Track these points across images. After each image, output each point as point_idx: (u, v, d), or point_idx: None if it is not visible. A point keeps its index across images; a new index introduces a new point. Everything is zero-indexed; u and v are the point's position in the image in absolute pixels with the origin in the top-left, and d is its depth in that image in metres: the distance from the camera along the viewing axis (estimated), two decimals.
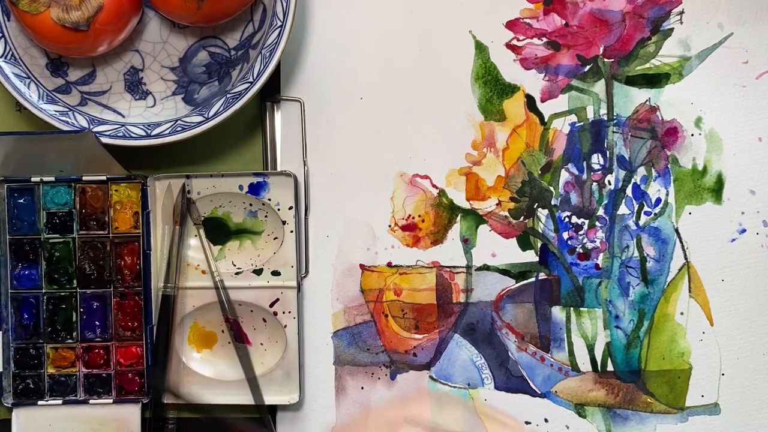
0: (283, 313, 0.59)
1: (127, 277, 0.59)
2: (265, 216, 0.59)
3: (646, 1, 0.59)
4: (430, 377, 0.60)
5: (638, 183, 0.59)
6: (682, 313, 0.59)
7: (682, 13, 0.59)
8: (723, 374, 0.59)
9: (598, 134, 0.59)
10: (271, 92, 0.60)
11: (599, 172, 0.59)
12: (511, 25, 0.60)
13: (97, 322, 0.59)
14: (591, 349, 0.59)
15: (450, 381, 0.60)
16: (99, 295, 0.59)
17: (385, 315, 0.60)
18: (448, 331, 0.60)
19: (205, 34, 0.60)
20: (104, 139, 0.56)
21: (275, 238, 0.59)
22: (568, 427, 0.59)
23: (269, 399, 0.59)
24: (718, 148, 0.59)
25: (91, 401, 0.59)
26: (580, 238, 0.59)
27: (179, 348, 0.60)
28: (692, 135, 0.59)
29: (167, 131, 0.57)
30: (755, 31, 0.59)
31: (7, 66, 0.57)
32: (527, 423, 0.59)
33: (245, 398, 0.59)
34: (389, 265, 0.60)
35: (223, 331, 0.60)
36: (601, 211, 0.59)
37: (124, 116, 0.59)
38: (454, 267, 0.60)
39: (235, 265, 0.59)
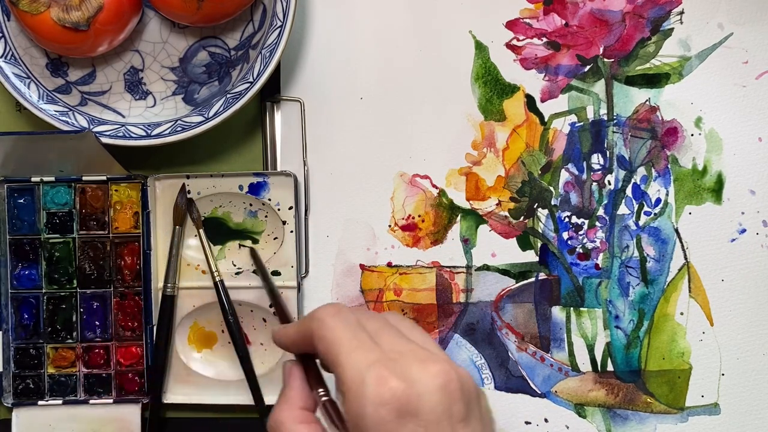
0: None
1: (127, 277, 0.59)
2: (265, 216, 0.59)
3: (646, 1, 0.59)
4: None
5: (638, 183, 0.59)
6: (682, 313, 0.59)
7: (682, 13, 0.59)
8: (723, 374, 0.59)
9: (598, 134, 0.59)
10: (271, 92, 0.60)
11: (599, 172, 0.59)
12: (511, 25, 0.60)
13: (97, 322, 0.59)
14: (591, 349, 0.59)
15: None
16: (99, 295, 0.59)
17: None
18: (448, 331, 0.60)
19: (205, 34, 0.60)
20: (104, 139, 0.56)
21: (275, 238, 0.59)
22: (568, 427, 0.59)
23: (269, 399, 0.59)
24: (718, 148, 0.59)
25: (91, 401, 0.59)
26: (580, 238, 0.59)
27: (179, 348, 0.60)
28: (692, 135, 0.59)
29: (167, 131, 0.57)
30: (755, 31, 0.59)
31: (7, 66, 0.57)
32: (527, 423, 0.59)
33: (245, 398, 0.59)
34: (389, 265, 0.60)
35: (223, 331, 0.60)
36: (601, 211, 0.59)
37: (124, 116, 0.59)
38: (454, 267, 0.60)
39: (235, 265, 0.59)
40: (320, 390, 0.44)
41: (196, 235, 0.59)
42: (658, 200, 0.59)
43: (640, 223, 0.59)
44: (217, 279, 0.58)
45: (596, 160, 0.59)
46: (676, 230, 0.59)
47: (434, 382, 0.39)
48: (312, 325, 0.42)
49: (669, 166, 0.59)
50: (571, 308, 0.59)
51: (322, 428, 0.43)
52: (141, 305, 0.59)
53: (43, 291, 0.59)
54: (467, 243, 0.60)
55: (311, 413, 0.44)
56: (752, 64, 0.59)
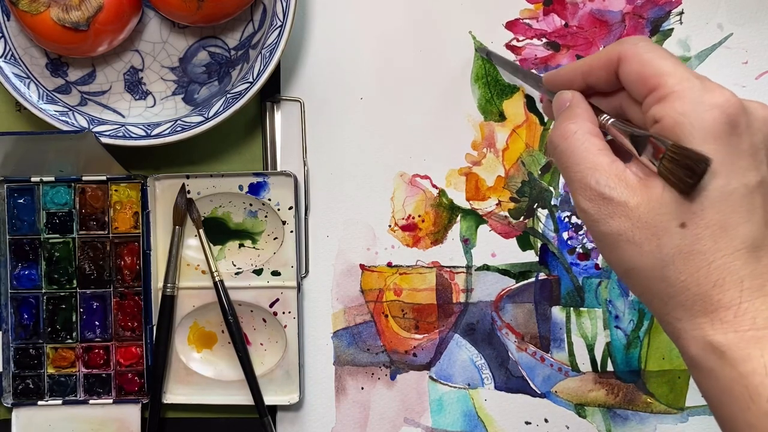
0: (283, 313, 0.59)
1: (127, 277, 0.59)
2: (265, 216, 0.59)
3: (646, 1, 0.59)
4: (430, 377, 0.60)
5: None
6: None
7: (681, 13, 0.59)
8: None
9: None
10: (271, 92, 0.60)
11: None
12: (510, 25, 0.60)
13: (96, 322, 0.59)
14: (591, 349, 0.59)
15: (450, 381, 0.60)
16: (99, 295, 0.59)
17: (385, 315, 0.60)
18: (448, 331, 0.60)
19: (205, 34, 0.60)
20: (104, 139, 0.56)
21: (275, 238, 0.59)
22: (568, 427, 0.59)
23: (269, 399, 0.59)
24: None
25: (90, 401, 0.59)
26: (580, 238, 0.59)
27: (179, 348, 0.60)
28: None
29: (167, 131, 0.57)
30: (755, 31, 0.59)
31: (7, 66, 0.57)
32: (527, 423, 0.59)
33: (245, 398, 0.59)
34: (389, 265, 0.60)
35: (223, 331, 0.60)
36: None
37: (124, 116, 0.59)
38: (454, 267, 0.60)
39: (235, 265, 0.59)
40: (604, 115, 0.40)
41: (196, 235, 0.59)
42: None
43: None
44: (217, 279, 0.58)
45: None
46: None
47: (764, 112, 0.38)
48: (621, 48, 0.39)
49: None
50: (571, 308, 0.59)
51: (612, 148, 0.39)
52: (141, 305, 0.59)
53: (43, 291, 0.59)
54: (467, 243, 0.60)
55: (601, 132, 0.40)
56: (752, 64, 0.59)
